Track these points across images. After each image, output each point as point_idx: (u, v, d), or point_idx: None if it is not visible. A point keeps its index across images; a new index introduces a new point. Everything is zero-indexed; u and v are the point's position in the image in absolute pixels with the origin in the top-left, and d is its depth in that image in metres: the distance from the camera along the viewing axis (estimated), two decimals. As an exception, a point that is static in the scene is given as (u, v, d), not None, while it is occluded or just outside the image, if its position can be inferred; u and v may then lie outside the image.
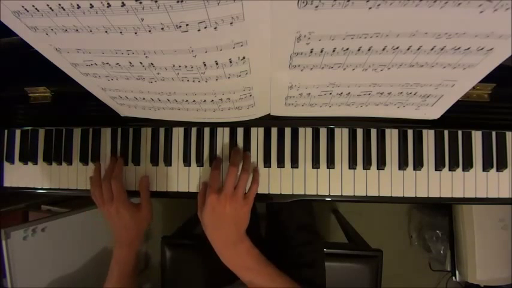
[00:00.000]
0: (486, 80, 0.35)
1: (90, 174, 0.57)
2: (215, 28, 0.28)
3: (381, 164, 0.53)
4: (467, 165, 0.52)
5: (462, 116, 0.49)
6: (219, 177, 0.50)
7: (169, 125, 0.55)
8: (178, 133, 0.56)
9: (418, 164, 0.52)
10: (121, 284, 0.53)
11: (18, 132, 0.59)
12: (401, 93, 0.41)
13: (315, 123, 0.53)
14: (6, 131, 0.60)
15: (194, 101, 0.42)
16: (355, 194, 0.53)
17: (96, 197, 0.53)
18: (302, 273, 0.60)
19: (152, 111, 0.47)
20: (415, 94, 0.41)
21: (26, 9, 0.27)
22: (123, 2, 0.25)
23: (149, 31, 0.28)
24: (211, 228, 0.48)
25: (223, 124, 0.54)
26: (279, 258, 0.64)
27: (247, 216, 0.49)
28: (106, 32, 0.29)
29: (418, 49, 0.32)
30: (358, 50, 0.32)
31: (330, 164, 0.53)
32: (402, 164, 0.53)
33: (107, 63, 0.35)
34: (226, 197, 0.47)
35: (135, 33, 0.29)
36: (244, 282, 0.48)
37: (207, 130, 0.56)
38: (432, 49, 0.32)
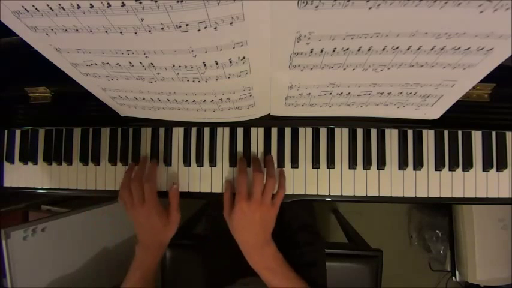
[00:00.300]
0: (486, 80, 0.35)
1: (90, 174, 0.57)
2: (215, 28, 0.28)
3: (381, 164, 0.53)
4: (467, 165, 0.52)
5: (462, 116, 0.49)
6: (246, 181, 0.51)
7: (169, 125, 0.55)
8: (178, 133, 0.56)
9: (418, 164, 0.52)
10: (141, 285, 0.52)
11: (18, 132, 0.59)
12: (401, 93, 0.41)
13: (315, 123, 0.53)
14: (6, 131, 0.60)
15: (194, 101, 0.42)
16: (355, 194, 0.53)
17: (125, 199, 0.52)
18: (303, 274, 0.60)
19: (152, 111, 0.47)
20: (415, 94, 0.41)
21: (26, 9, 0.27)
22: (123, 2, 0.25)
23: (149, 31, 0.28)
24: (240, 231, 0.50)
25: (223, 124, 0.54)
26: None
27: (274, 220, 0.51)
28: (106, 32, 0.29)
29: (418, 49, 0.32)
30: (358, 50, 0.32)
31: (330, 164, 0.53)
32: (402, 164, 0.53)
33: (107, 63, 0.35)
34: (256, 203, 0.49)
35: (135, 33, 0.29)
36: (264, 281, 0.50)
37: (207, 130, 0.56)
38: (432, 49, 0.32)
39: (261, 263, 0.50)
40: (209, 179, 0.55)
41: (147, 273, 0.53)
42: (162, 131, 0.56)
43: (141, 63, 0.34)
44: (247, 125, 0.54)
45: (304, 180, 0.54)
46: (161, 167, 0.56)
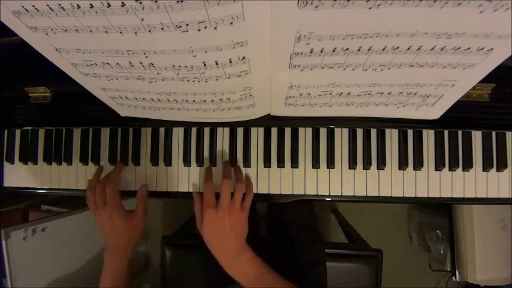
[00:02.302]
0: (486, 80, 0.35)
1: (90, 174, 0.57)
2: (215, 28, 0.28)
3: (381, 164, 0.53)
4: (467, 165, 0.52)
5: (462, 116, 0.49)
6: (212, 190, 0.50)
7: (169, 125, 0.55)
8: (178, 133, 0.56)
9: (418, 164, 0.52)
10: None
11: (18, 132, 0.59)
12: (401, 93, 0.41)
13: (315, 123, 0.53)
14: (6, 131, 0.60)
15: (194, 101, 0.42)
16: (355, 194, 0.53)
17: (90, 202, 0.52)
18: (304, 274, 0.61)
19: (152, 111, 0.47)
20: (415, 94, 0.41)
21: (26, 9, 0.27)
22: (123, 2, 0.25)
23: (149, 31, 0.28)
24: (212, 242, 0.49)
25: (223, 124, 0.54)
26: (280, 258, 0.64)
27: (246, 225, 0.50)
28: (106, 32, 0.29)
29: (418, 49, 0.32)
30: (358, 50, 0.32)
31: (330, 164, 0.53)
32: (402, 164, 0.53)
33: (107, 63, 0.35)
34: (224, 209, 0.48)
35: (135, 33, 0.29)
36: None
37: (207, 130, 0.56)
38: (432, 49, 0.32)
39: (239, 272, 0.48)
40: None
41: (116, 278, 0.52)
42: (162, 131, 0.56)
43: (141, 63, 0.34)
44: (247, 125, 0.54)
45: (304, 180, 0.54)
46: (161, 167, 0.56)
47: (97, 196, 0.51)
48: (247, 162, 0.54)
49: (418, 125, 0.49)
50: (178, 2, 0.25)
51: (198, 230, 0.51)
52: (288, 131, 0.55)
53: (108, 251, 0.53)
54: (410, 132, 0.53)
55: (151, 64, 0.34)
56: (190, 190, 0.56)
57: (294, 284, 0.49)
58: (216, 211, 0.48)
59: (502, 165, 0.52)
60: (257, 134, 0.55)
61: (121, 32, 0.29)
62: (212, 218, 0.48)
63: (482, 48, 0.31)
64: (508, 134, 0.53)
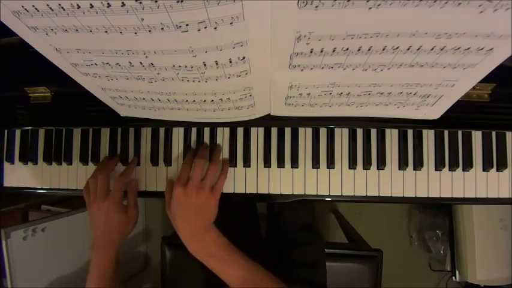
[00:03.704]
0: (486, 80, 0.35)
1: (90, 174, 0.57)
2: (215, 28, 0.28)
3: (381, 164, 0.53)
4: (467, 165, 0.52)
5: (462, 116, 0.49)
6: (189, 167, 0.50)
7: (169, 125, 0.55)
8: (178, 133, 0.56)
9: (418, 164, 0.52)
10: (102, 286, 0.51)
11: (18, 132, 0.59)
12: (401, 93, 0.41)
13: (315, 123, 0.53)
14: (6, 131, 0.60)
15: (194, 101, 0.42)
16: (355, 194, 0.53)
17: (90, 192, 0.51)
18: (303, 273, 0.61)
19: (152, 111, 0.47)
20: (415, 94, 0.41)
21: (26, 9, 0.27)
22: (123, 2, 0.25)
23: (149, 31, 0.28)
24: (178, 219, 0.48)
25: (223, 124, 0.54)
26: (280, 258, 0.64)
27: (215, 208, 0.49)
28: (106, 32, 0.29)
29: (418, 49, 0.32)
30: (358, 50, 0.32)
31: (330, 164, 0.53)
32: (402, 164, 0.53)
33: (107, 63, 0.35)
34: (193, 187, 0.47)
35: (135, 33, 0.29)
36: (214, 272, 0.48)
37: (207, 130, 0.56)
38: (432, 49, 0.32)
39: (202, 251, 0.47)
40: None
41: (104, 274, 0.51)
42: (162, 131, 0.56)
43: (141, 63, 0.34)
44: (247, 125, 0.54)
45: (304, 180, 0.54)
46: (161, 167, 0.56)
47: (98, 186, 0.50)
48: (247, 162, 0.54)
49: (418, 125, 0.49)
50: (178, 2, 0.25)
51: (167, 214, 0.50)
52: (288, 131, 0.55)
53: (96, 247, 0.52)
54: (410, 132, 0.53)
55: (151, 64, 0.34)
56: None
57: (287, 280, 0.49)
58: (185, 188, 0.47)
59: (502, 165, 0.52)
60: (257, 134, 0.55)
61: (121, 32, 0.29)
62: (180, 195, 0.47)
63: (482, 48, 0.31)
64: (508, 134, 0.52)
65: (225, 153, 0.55)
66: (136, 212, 0.54)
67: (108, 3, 0.25)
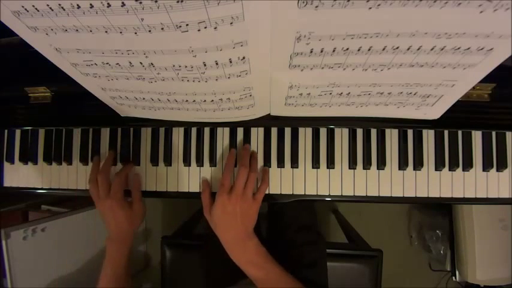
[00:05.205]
0: (486, 80, 0.35)
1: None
2: (215, 28, 0.28)
3: (381, 164, 0.53)
4: (467, 165, 0.52)
5: (462, 116, 0.49)
6: (231, 174, 0.51)
7: (169, 125, 0.55)
8: (178, 133, 0.56)
9: (418, 164, 0.52)
10: (114, 284, 0.53)
11: (18, 132, 0.59)
12: (401, 93, 0.41)
13: (315, 123, 0.53)
14: (6, 131, 0.60)
15: (194, 101, 0.42)
16: (355, 194, 0.53)
17: (93, 191, 0.53)
18: (304, 274, 0.60)
19: (152, 111, 0.47)
20: (415, 94, 0.41)
21: (26, 9, 0.27)
22: (123, 2, 0.25)
23: (149, 31, 0.28)
24: (221, 226, 0.50)
25: (223, 124, 0.54)
26: (281, 258, 0.64)
27: (256, 215, 0.51)
28: (106, 32, 0.29)
29: (418, 49, 0.32)
30: (358, 50, 0.32)
31: (330, 164, 0.53)
32: (402, 164, 0.53)
33: (107, 63, 0.35)
34: (237, 196, 0.48)
35: (135, 33, 0.29)
36: (251, 279, 0.49)
37: (207, 130, 0.56)
38: (432, 49, 0.32)
39: (243, 258, 0.49)
40: (209, 179, 0.55)
41: (117, 267, 0.53)
42: (162, 131, 0.56)
43: (141, 63, 0.34)
44: (247, 125, 0.54)
45: (304, 180, 0.54)
46: (161, 167, 0.56)
47: (100, 186, 0.52)
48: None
49: (418, 125, 0.49)
50: (178, 2, 0.25)
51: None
52: (288, 131, 0.55)
53: (110, 239, 0.54)
54: (410, 132, 0.53)
55: (151, 64, 0.34)
56: (190, 190, 0.56)
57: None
58: (229, 196, 0.48)
59: (502, 165, 0.52)
60: (257, 134, 0.55)
61: (121, 32, 0.29)
62: (225, 202, 0.48)
63: (482, 48, 0.31)
64: (508, 134, 0.52)
65: (225, 153, 0.55)
66: (141, 207, 0.56)
67: (108, 3, 0.25)
